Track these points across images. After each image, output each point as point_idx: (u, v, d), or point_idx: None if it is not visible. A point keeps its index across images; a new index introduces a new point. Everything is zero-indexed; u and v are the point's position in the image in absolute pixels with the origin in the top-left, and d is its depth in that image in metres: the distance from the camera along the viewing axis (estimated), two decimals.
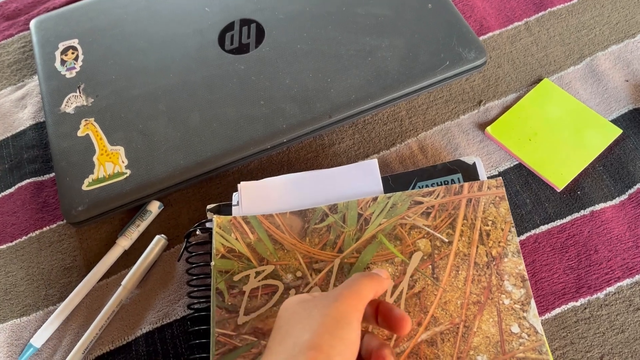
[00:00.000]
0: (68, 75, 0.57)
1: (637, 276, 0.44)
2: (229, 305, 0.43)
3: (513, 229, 0.43)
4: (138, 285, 0.48)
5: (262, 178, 0.48)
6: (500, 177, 0.45)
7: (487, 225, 0.43)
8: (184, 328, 0.46)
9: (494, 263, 0.42)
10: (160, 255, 0.49)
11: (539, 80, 0.54)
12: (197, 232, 0.47)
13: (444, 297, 0.41)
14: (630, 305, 0.43)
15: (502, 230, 0.43)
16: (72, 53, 0.58)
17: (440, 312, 0.41)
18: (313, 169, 0.52)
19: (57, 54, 0.58)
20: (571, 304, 0.44)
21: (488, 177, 0.50)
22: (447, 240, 0.43)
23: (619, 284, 0.44)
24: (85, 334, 0.45)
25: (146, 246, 0.49)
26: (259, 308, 0.42)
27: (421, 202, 0.45)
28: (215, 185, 0.52)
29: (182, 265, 0.48)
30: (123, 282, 0.47)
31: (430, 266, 0.43)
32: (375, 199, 0.46)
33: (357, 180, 0.48)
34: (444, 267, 0.42)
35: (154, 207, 0.51)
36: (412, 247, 0.43)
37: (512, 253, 0.42)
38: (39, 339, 0.46)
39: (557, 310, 0.44)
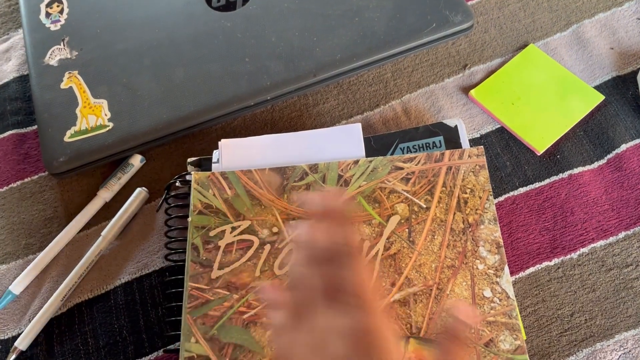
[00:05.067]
0: (53, 28, 0.56)
1: (610, 238, 0.45)
2: (204, 260, 0.43)
3: (491, 197, 0.43)
4: (118, 237, 0.48)
5: (246, 136, 0.48)
6: (482, 146, 0.45)
7: (466, 193, 0.44)
8: (162, 279, 0.46)
9: (470, 229, 0.42)
10: (141, 208, 0.49)
11: (524, 45, 0.54)
12: (177, 184, 0.47)
13: (419, 260, 0.42)
14: (603, 265, 0.44)
15: (480, 198, 0.43)
16: (58, 6, 0.57)
17: (414, 274, 0.41)
18: (297, 128, 0.53)
19: (42, 6, 0.58)
20: (545, 264, 0.44)
21: (470, 140, 0.50)
22: (425, 206, 0.44)
23: (592, 245, 0.45)
24: (64, 282, 0.46)
25: (127, 199, 0.49)
26: (233, 263, 0.43)
27: (402, 168, 0.45)
28: (198, 142, 0.52)
29: (161, 218, 0.49)
30: (103, 233, 0.47)
31: (407, 230, 0.43)
32: (356, 162, 0.46)
33: (340, 143, 0.48)
34: (421, 232, 0.43)
35: (136, 161, 0.51)
36: (390, 211, 0.44)
37: (488, 220, 0.43)
38: (17, 286, 0.46)
39: (531, 270, 0.44)
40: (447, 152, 0.45)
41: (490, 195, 0.43)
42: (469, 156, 0.45)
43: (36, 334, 0.45)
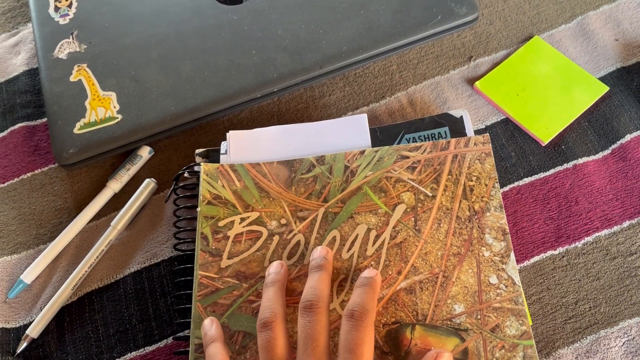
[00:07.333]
0: (62, 21, 0.57)
1: (615, 227, 0.45)
2: (213, 249, 0.43)
3: (497, 185, 0.44)
4: (127, 227, 0.49)
5: (253, 128, 0.49)
6: (488, 134, 0.46)
7: (472, 181, 0.44)
8: (171, 268, 0.47)
9: (475, 217, 0.43)
10: (149, 199, 0.50)
11: (529, 37, 0.54)
12: (186, 175, 0.48)
13: (425, 248, 0.42)
14: (607, 254, 0.44)
15: (486, 185, 0.44)
16: (66, 0, 0.58)
17: (420, 262, 0.42)
18: (303, 120, 0.53)
19: (51, 0, 0.58)
20: (550, 253, 0.45)
21: (475, 131, 0.50)
22: (430, 194, 0.44)
23: (597, 234, 0.45)
24: (75, 271, 0.46)
25: (136, 190, 0.50)
26: (242, 252, 0.43)
27: (407, 157, 0.46)
28: (206, 134, 0.53)
29: (170, 208, 0.49)
30: (113, 223, 0.48)
31: (412, 218, 0.43)
32: (362, 152, 0.46)
33: (346, 134, 0.48)
34: (426, 220, 0.43)
35: (145, 152, 0.51)
36: (396, 200, 0.44)
37: (494, 208, 0.43)
38: (29, 276, 0.47)
39: (536, 258, 0.45)
40: (453, 141, 0.46)
41: (496, 182, 0.44)
42: (474, 144, 0.45)
43: (47, 322, 0.45)
